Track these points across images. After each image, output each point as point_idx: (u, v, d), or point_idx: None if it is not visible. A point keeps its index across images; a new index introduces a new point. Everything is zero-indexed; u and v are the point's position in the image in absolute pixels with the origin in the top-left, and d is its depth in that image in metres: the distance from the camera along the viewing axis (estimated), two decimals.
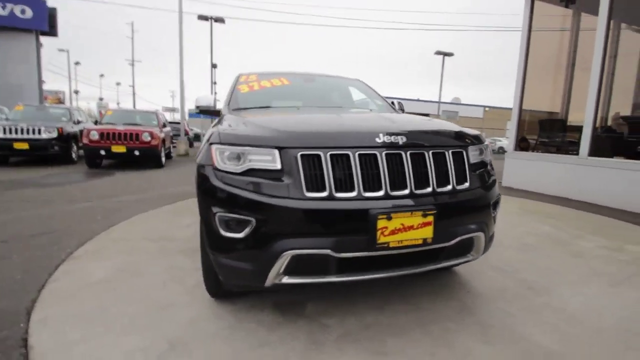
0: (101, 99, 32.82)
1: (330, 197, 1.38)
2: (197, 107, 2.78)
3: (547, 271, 2.44)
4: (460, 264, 1.74)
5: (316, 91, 2.94)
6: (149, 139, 7.54)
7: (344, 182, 1.40)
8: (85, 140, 7.22)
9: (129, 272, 2.32)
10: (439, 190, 1.51)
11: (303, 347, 1.55)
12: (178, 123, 14.54)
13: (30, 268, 2.35)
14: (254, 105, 2.52)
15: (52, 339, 1.59)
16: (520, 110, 5.90)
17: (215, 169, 1.51)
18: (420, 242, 1.43)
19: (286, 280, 1.44)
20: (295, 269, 1.42)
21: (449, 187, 1.54)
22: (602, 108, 4.99)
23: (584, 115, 4.90)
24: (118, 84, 46.01)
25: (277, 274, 1.42)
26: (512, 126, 6.04)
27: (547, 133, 6.00)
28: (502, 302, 2.00)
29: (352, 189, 1.40)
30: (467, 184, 1.60)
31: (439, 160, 1.55)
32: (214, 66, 23.34)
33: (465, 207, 1.57)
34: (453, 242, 1.54)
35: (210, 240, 1.52)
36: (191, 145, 15.49)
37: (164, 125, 9.21)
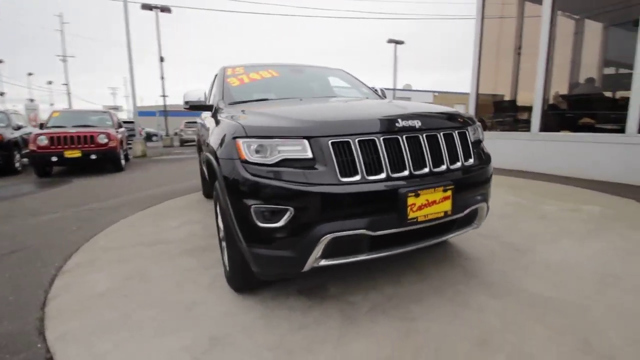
0: (31, 100, 29.27)
1: (363, 181, 1.47)
2: (187, 102, 2.69)
3: (524, 234, 2.77)
4: (465, 232, 1.93)
5: (307, 82, 2.98)
6: (105, 140, 7.01)
7: (373, 166, 1.50)
8: (32, 147, 6.52)
9: (135, 278, 2.24)
10: (452, 167, 1.67)
11: (339, 323, 1.65)
12: (131, 122, 13.56)
13: (20, 287, 2.18)
14: (250, 98, 2.51)
15: (81, 353, 1.53)
16: (477, 93, 6.39)
17: (245, 162, 1.53)
18: (442, 215, 1.58)
19: (323, 263, 1.52)
20: (332, 251, 1.50)
21: (459, 164, 1.71)
22: (546, 88, 5.58)
23: (532, 96, 5.45)
24: (50, 82, 41.27)
25: (316, 258, 1.49)
26: (470, 108, 6.52)
27: (501, 113, 6.58)
28: (497, 263, 2.25)
29: (381, 172, 1.51)
30: (471, 160, 1.79)
31: (449, 140, 1.71)
32: (161, 60, 21.94)
33: (473, 181, 1.75)
34: (465, 212, 1.72)
35: (245, 232, 1.55)
36: None
37: (120, 126, 8.59)
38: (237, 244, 1.64)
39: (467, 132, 1.81)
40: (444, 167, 1.65)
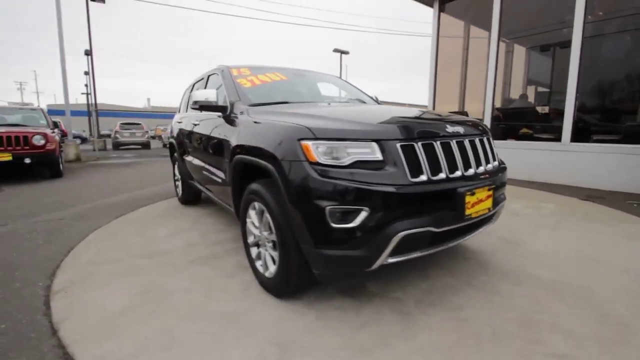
0: None
1: (429, 181, 1.58)
2: (195, 102, 2.53)
3: (508, 228, 3.14)
4: (487, 227, 2.15)
5: (315, 86, 3.01)
6: (42, 142, 6.09)
7: (434, 167, 1.62)
8: None
9: (154, 292, 2.04)
10: (488, 169, 1.88)
11: (396, 318, 1.73)
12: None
13: (8, 315, 1.83)
14: (270, 100, 2.47)
15: None
16: (434, 106, 6.99)
17: (316, 163, 1.53)
18: (486, 211, 1.77)
19: (390, 260, 1.59)
20: (400, 249, 1.58)
21: (491, 166, 1.92)
22: (490, 102, 6.35)
23: (476, 107, 6.15)
24: None
25: (386, 257, 1.55)
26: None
27: None
28: (500, 254, 2.54)
29: (440, 172, 1.63)
30: (496, 163, 2.02)
31: (482, 145, 1.91)
32: (87, 53, 19.65)
33: (501, 181, 1.98)
34: (496, 209, 1.93)
35: (316, 234, 1.54)
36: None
37: (55, 126, 7.50)
38: (295, 248, 1.62)
39: (490, 138, 2.05)
40: (482, 169, 1.84)
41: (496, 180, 1.87)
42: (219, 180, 2.56)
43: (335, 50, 25.38)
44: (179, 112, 4.47)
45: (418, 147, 1.60)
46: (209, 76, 3.29)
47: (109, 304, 1.91)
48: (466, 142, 1.78)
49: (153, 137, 26.83)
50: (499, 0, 5.67)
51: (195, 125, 3.12)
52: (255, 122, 2.01)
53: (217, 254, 2.61)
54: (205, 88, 3.28)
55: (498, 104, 7.39)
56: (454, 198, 1.61)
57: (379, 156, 1.54)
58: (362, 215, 1.49)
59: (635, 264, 2.35)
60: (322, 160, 1.53)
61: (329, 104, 2.62)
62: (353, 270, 1.68)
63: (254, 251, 2.12)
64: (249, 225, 2.12)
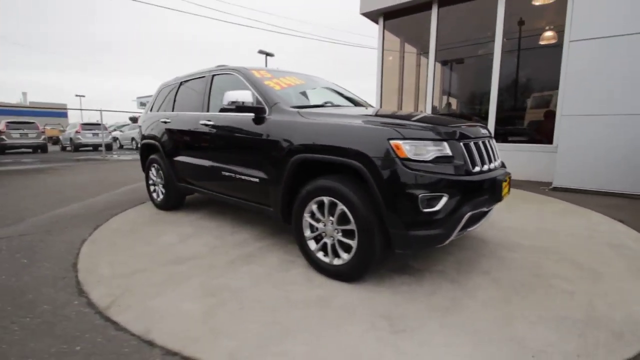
0: None
1: (481, 172, 2.02)
2: (232, 102, 2.51)
3: None
4: None
5: (329, 91, 3.21)
6: None
7: (478, 161, 2.07)
8: None
9: (222, 292, 2.03)
10: (500, 163, 2.42)
11: (451, 285, 2.12)
12: None
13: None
14: (303, 103, 2.62)
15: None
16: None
17: (407, 159, 1.81)
18: (507, 194, 2.30)
19: (456, 236, 1.97)
20: (464, 227, 1.97)
21: (500, 161, 2.47)
22: (430, 108, 7.39)
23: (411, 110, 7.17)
24: None
25: (457, 233, 1.93)
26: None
27: None
28: (489, 231, 3.17)
29: (484, 164, 2.09)
30: (500, 159, 2.59)
31: (492, 143, 2.45)
32: None
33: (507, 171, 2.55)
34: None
35: (408, 219, 1.81)
36: None
37: None
38: (378, 233, 1.89)
39: (493, 139, 2.61)
40: (498, 163, 2.37)
41: (507, 172, 2.43)
42: (254, 180, 2.59)
43: (260, 52, 25.18)
44: (151, 110, 4.14)
45: (470, 145, 2.02)
46: (213, 76, 3.21)
47: (187, 311, 1.85)
48: (487, 142, 2.29)
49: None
50: (435, 24, 6.67)
51: (209, 125, 3.01)
52: (320, 124, 2.17)
53: (252, 253, 2.63)
54: (209, 88, 3.19)
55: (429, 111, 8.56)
56: (495, 184, 2.08)
57: (449, 152, 1.91)
58: (443, 200, 1.84)
59: (574, 229, 3.22)
60: (411, 156, 1.83)
61: (363, 107, 2.90)
62: (430, 247, 2.01)
63: (312, 244, 2.28)
64: (307, 220, 2.26)
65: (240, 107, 2.52)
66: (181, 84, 3.69)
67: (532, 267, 2.39)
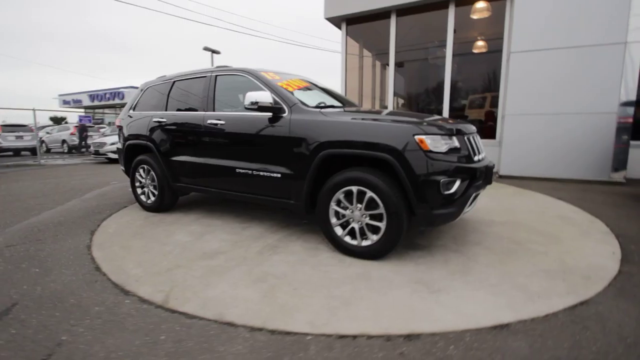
0: None
1: (478, 160, 2.47)
2: (254, 103, 2.65)
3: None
4: None
5: (325, 92, 3.45)
6: None
7: (476, 151, 2.53)
8: None
9: (268, 279, 2.21)
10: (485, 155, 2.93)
11: (460, 256, 2.55)
12: None
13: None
14: (315, 103, 2.86)
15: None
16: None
17: (430, 151, 2.18)
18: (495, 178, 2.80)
19: (463, 213, 2.40)
20: (469, 205, 2.41)
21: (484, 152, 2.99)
22: (392, 107, 8.03)
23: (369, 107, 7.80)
24: None
25: (465, 211, 2.36)
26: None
27: None
28: (481, 213, 3.73)
29: (480, 154, 2.55)
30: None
31: (478, 138, 2.95)
32: None
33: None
34: None
35: (432, 200, 2.18)
36: None
37: None
38: (405, 215, 2.25)
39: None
40: (484, 154, 2.88)
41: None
42: (275, 176, 2.76)
43: (206, 49, 24.23)
44: (134, 110, 4.00)
45: (470, 139, 2.47)
46: (216, 76, 3.27)
47: (247, 296, 1.99)
48: (475, 137, 2.78)
49: None
50: (394, 31, 7.29)
51: (219, 124, 3.08)
52: (349, 122, 2.44)
53: (274, 245, 2.81)
54: (214, 88, 3.25)
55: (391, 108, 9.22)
56: (488, 170, 2.56)
57: (457, 145, 2.33)
58: (457, 183, 2.25)
59: (528, 207, 3.93)
60: (432, 148, 2.20)
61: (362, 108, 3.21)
62: (447, 222, 2.40)
63: (338, 230, 2.54)
64: (334, 209, 2.52)
65: (261, 107, 2.68)
66: (174, 83, 3.65)
67: (509, 237, 2.94)
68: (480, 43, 8.31)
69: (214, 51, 24.92)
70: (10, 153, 14.22)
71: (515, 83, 5.60)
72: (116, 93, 27.98)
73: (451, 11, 6.69)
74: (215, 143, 3.15)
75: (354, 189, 2.40)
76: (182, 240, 2.95)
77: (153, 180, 3.75)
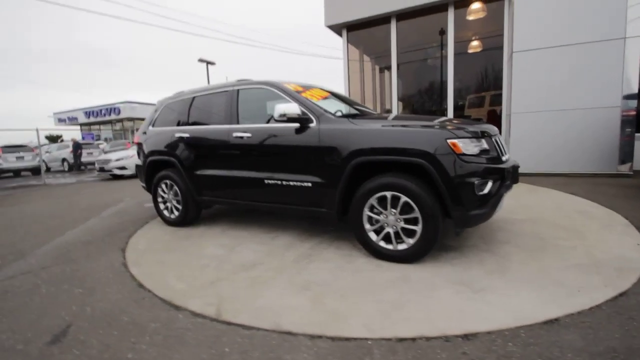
0: None
1: (505, 161, 2.55)
2: (283, 115, 2.72)
3: None
4: None
5: (341, 101, 3.53)
6: None
7: (502, 152, 2.61)
8: None
9: (312, 286, 2.26)
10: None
11: (492, 256, 2.61)
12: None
13: None
14: (340, 113, 2.93)
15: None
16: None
17: (463, 154, 2.25)
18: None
19: (495, 213, 2.47)
20: (500, 204, 2.48)
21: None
22: (395, 108, 8.15)
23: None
24: None
25: (497, 210, 2.43)
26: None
27: None
28: (496, 221, 3.80)
29: (504, 155, 2.63)
30: None
31: (501, 139, 3.03)
32: None
33: None
34: None
35: (467, 202, 2.24)
36: None
37: None
38: (440, 218, 2.32)
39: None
40: (508, 155, 2.96)
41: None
42: (306, 185, 2.82)
43: (201, 60, 24.36)
44: (153, 126, 4.05)
45: (495, 140, 2.55)
46: (238, 90, 3.34)
47: (297, 305, 2.04)
48: (499, 138, 2.86)
49: None
50: (395, 35, 7.43)
51: (245, 137, 3.15)
52: (377, 130, 2.51)
53: (307, 253, 2.85)
54: (237, 102, 3.32)
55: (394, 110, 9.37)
56: (515, 170, 2.64)
57: (486, 147, 2.41)
58: (489, 184, 2.32)
59: (545, 203, 4.01)
60: (464, 151, 2.28)
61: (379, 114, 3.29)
62: (481, 223, 2.46)
63: (372, 235, 2.60)
64: (367, 214, 2.58)
65: (290, 119, 2.75)
66: (194, 99, 3.71)
67: (535, 233, 3.02)
68: (475, 43, 8.50)
69: (209, 62, 25.07)
70: (11, 174, 14.15)
71: (519, 82, 5.73)
72: (112, 109, 27.97)
73: (450, 13, 6.84)
74: (242, 155, 3.21)
75: (388, 194, 2.47)
76: (215, 253, 2.99)
77: (176, 195, 3.79)
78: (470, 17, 7.25)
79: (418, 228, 2.41)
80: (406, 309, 1.92)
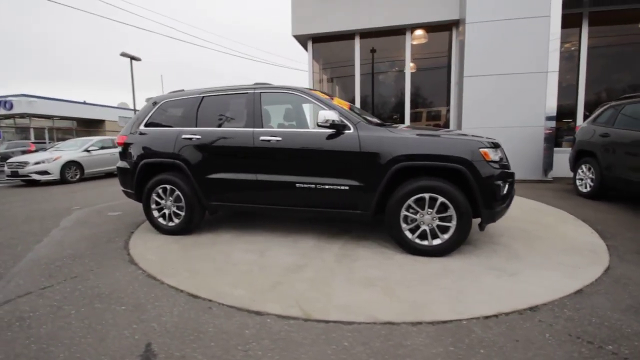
0: None
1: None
2: (327, 121, 2.81)
3: None
4: None
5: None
6: None
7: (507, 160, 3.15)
8: None
9: (377, 283, 2.40)
10: None
11: (503, 248, 3.11)
12: None
13: None
14: (371, 121, 3.16)
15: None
16: None
17: (491, 161, 2.67)
18: None
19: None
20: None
21: None
22: None
23: None
24: None
25: (508, 206, 2.93)
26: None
27: None
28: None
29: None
30: None
31: None
32: None
33: None
34: None
35: (496, 200, 2.66)
36: None
37: None
38: (471, 215, 2.70)
39: None
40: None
41: None
42: (343, 188, 2.95)
43: (124, 55, 21.95)
44: (145, 127, 3.69)
45: (502, 149, 3.08)
46: (260, 94, 3.30)
47: (371, 299, 2.16)
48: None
49: None
50: (359, 51, 7.97)
51: (272, 140, 3.12)
52: (416, 138, 2.80)
53: (343, 253, 2.97)
54: (259, 105, 3.28)
55: None
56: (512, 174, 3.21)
57: (501, 155, 2.90)
58: (507, 186, 2.81)
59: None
60: (491, 159, 2.71)
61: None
62: (500, 218, 2.91)
63: (408, 234, 2.86)
64: (403, 214, 2.84)
65: (332, 125, 2.87)
66: (203, 98, 3.52)
67: (517, 228, 3.65)
68: (412, 64, 9.60)
69: (133, 57, 22.77)
70: None
71: (468, 102, 6.73)
72: (3, 102, 23.16)
73: (408, 36, 7.66)
74: (271, 159, 3.17)
75: (427, 195, 2.77)
76: (247, 258, 2.90)
77: (178, 200, 3.51)
78: (415, 42, 8.22)
79: (452, 225, 2.75)
80: (470, 293, 2.22)
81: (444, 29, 7.59)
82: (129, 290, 2.35)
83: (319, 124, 2.87)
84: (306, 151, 3.07)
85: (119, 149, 3.85)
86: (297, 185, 3.09)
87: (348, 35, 7.93)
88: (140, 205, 3.79)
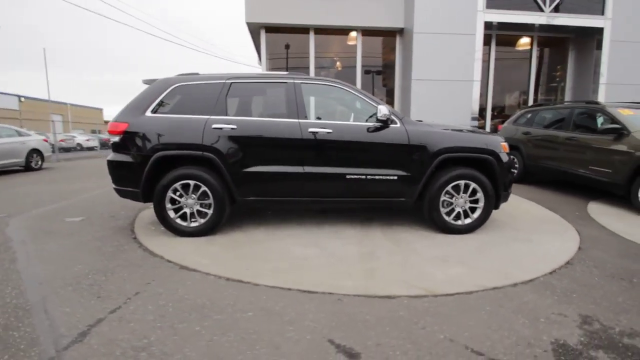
0: None
1: None
2: (384, 115, 2.97)
3: None
4: None
5: None
6: None
7: None
8: None
9: (451, 260, 2.75)
10: None
11: (508, 227, 3.84)
12: None
13: None
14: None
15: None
16: None
17: (508, 153, 3.32)
18: None
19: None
20: None
21: None
22: None
23: None
24: None
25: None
26: None
27: None
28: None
29: None
30: None
31: None
32: None
33: None
34: None
35: (508, 184, 3.32)
36: None
37: None
38: (495, 197, 3.31)
39: None
40: None
41: None
42: (391, 178, 3.19)
43: None
44: (155, 113, 3.16)
45: None
46: (301, 84, 3.22)
47: (456, 274, 2.50)
48: None
49: None
50: (313, 45, 8.11)
51: (321, 132, 3.11)
52: (454, 133, 3.23)
53: (394, 239, 3.22)
54: (301, 96, 3.20)
55: None
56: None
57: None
58: (514, 173, 3.53)
59: None
60: (507, 151, 3.36)
61: None
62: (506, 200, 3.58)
63: (445, 216, 3.31)
64: (442, 199, 3.26)
65: (386, 120, 3.06)
66: (231, 84, 3.20)
67: (503, 211, 4.52)
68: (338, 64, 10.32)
69: None
70: None
71: (416, 102, 7.68)
72: None
73: (359, 38, 8.20)
74: (320, 151, 3.16)
75: (462, 182, 3.25)
76: (310, 252, 2.87)
77: (204, 198, 3.15)
78: (350, 43, 8.86)
79: (480, 206, 3.32)
80: (518, 258, 2.78)
81: (389, 34, 8.40)
82: (230, 298, 2.11)
83: (379, 118, 3.03)
84: (357, 143, 3.19)
85: (115, 138, 3.17)
86: (348, 176, 3.18)
87: (303, 29, 7.99)
88: (112, 204, 3.24)
